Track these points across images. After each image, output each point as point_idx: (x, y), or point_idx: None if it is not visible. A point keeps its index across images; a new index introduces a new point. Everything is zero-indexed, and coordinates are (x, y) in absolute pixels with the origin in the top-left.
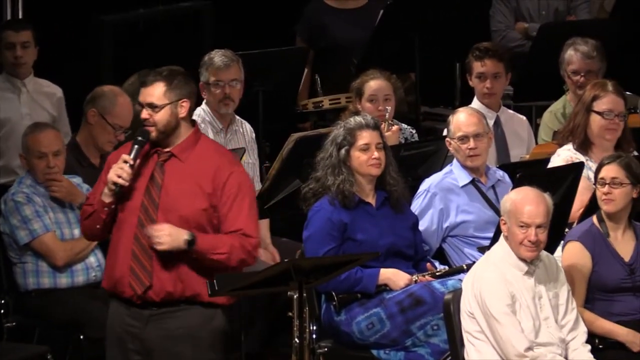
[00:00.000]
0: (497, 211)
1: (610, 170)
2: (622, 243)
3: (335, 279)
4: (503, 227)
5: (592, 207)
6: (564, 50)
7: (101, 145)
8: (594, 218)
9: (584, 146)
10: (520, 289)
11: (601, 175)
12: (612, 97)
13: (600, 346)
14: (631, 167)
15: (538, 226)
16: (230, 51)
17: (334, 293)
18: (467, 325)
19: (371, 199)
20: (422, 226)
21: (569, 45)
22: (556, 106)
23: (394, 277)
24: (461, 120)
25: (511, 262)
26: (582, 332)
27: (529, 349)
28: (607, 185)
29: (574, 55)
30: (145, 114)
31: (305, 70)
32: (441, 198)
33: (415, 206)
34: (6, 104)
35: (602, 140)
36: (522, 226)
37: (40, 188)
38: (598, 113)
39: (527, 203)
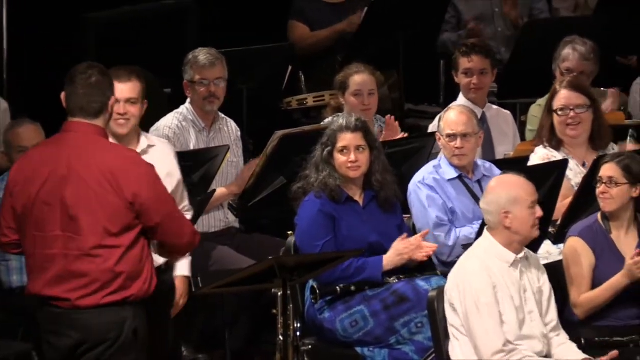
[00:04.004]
0: None
1: (608, 170)
2: (625, 242)
3: (335, 269)
4: (505, 221)
5: (578, 205)
6: (561, 47)
7: None
8: (599, 215)
9: (556, 145)
10: (505, 280)
11: (600, 174)
12: (565, 93)
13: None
14: (630, 167)
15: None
16: (214, 49)
17: (314, 285)
18: (451, 318)
19: (359, 197)
20: (434, 213)
21: (567, 43)
22: (545, 100)
23: (398, 257)
24: (451, 118)
25: (496, 253)
26: (564, 332)
27: (507, 343)
28: (604, 185)
29: (572, 54)
30: None
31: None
32: (436, 189)
33: (417, 200)
34: None
35: (568, 137)
36: (531, 207)
37: None
38: (555, 111)
39: (523, 180)
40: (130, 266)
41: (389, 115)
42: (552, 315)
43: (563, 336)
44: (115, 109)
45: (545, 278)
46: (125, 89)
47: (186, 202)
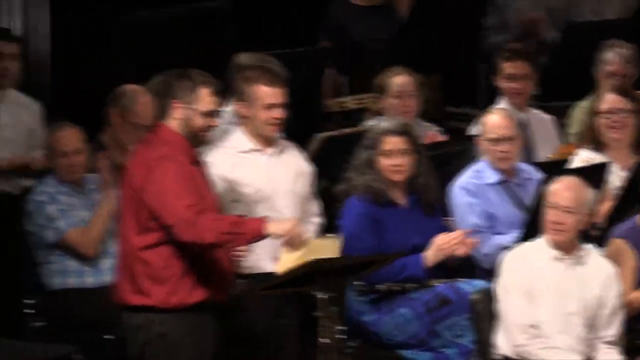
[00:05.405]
0: (524, 209)
1: None
2: None
3: (377, 270)
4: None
5: (621, 208)
6: (604, 50)
7: (124, 144)
8: (638, 217)
9: (598, 148)
10: (544, 273)
11: None
12: (611, 96)
13: None
14: None
15: (565, 209)
16: (262, 55)
17: (358, 283)
18: (497, 308)
19: (402, 200)
20: (472, 220)
21: (610, 46)
22: (587, 103)
23: (439, 252)
24: (493, 122)
25: (543, 247)
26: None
27: (535, 326)
28: None
29: (615, 57)
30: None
31: (330, 70)
32: (477, 194)
33: (458, 204)
34: None
35: (611, 140)
36: (550, 207)
37: (64, 187)
38: (600, 114)
39: (558, 184)
40: (148, 270)
41: (433, 132)
42: (612, 331)
43: (615, 351)
44: (273, 113)
45: (613, 294)
46: (282, 94)
47: (315, 206)
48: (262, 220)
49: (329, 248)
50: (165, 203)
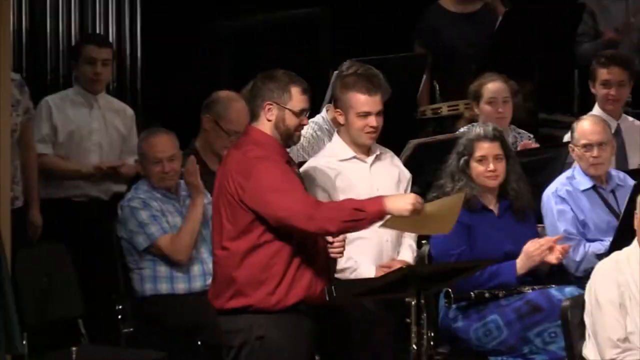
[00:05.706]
0: (616, 216)
1: None
2: None
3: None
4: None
5: None
6: None
7: (217, 151)
8: None
9: None
10: (635, 283)
11: None
12: None
13: None
14: None
15: None
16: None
17: (449, 289)
18: (587, 319)
19: (493, 206)
20: (563, 227)
21: None
22: None
23: (529, 259)
24: (586, 128)
25: (635, 256)
26: None
27: (625, 340)
28: None
29: None
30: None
31: (424, 76)
32: (569, 201)
33: (550, 211)
34: (77, 117)
35: None
36: None
37: (157, 193)
38: None
39: None
40: (248, 273)
41: (527, 141)
42: None
43: None
44: (368, 121)
45: None
46: (378, 103)
47: None
48: (380, 200)
49: (451, 206)
50: (274, 200)
